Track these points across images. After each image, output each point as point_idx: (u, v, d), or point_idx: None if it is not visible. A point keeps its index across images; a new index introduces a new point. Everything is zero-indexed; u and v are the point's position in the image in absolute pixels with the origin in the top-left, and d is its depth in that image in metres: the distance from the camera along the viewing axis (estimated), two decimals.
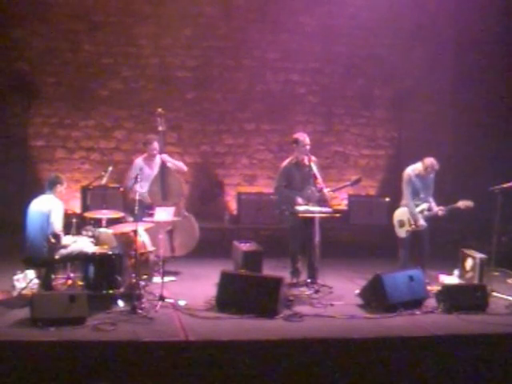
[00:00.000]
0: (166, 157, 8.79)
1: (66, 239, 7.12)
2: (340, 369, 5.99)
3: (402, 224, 8.28)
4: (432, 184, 8.28)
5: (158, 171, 8.67)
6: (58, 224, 7.00)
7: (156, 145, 8.66)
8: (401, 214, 8.30)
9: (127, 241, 7.29)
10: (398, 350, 6.16)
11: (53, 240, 6.97)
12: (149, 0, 11.15)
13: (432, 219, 8.23)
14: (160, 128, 8.80)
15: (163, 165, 8.68)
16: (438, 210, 8.15)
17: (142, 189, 7.93)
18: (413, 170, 8.26)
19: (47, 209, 6.99)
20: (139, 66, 11.17)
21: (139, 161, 8.72)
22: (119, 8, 11.05)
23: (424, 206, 8.17)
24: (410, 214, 8.18)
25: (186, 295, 7.34)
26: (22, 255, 7.12)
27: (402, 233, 8.29)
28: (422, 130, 11.67)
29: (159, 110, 8.86)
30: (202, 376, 5.76)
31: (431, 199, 8.26)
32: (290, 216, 7.83)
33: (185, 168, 9.01)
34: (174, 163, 8.87)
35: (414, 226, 8.14)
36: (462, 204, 7.96)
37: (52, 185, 7.16)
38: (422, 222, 8.11)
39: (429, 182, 8.24)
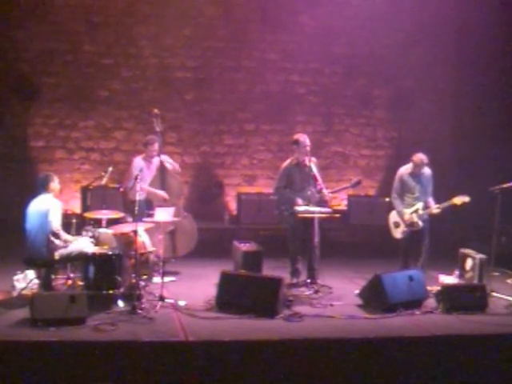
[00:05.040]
0: (165, 158, 8.80)
1: (65, 235, 7.13)
2: (340, 369, 6.00)
3: (397, 225, 8.29)
4: (429, 183, 8.25)
5: (157, 172, 8.67)
6: (55, 222, 7.02)
7: (156, 146, 8.68)
8: (395, 215, 8.30)
9: (127, 241, 7.30)
10: (397, 350, 6.17)
11: (52, 239, 6.98)
12: (149, 0, 11.14)
13: (433, 219, 8.22)
14: (157, 128, 8.81)
15: (163, 165, 8.69)
16: (433, 208, 8.13)
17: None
18: (405, 169, 8.29)
19: (45, 208, 7.01)
20: (139, 67, 11.17)
21: (139, 160, 8.71)
22: (119, 9, 11.05)
23: (419, 205, 8.15)
24: (396, 211, 8.21)
25: (186, 295, 7.35)
26: (22, 255, 7.13)
27: (397, 234, 8.30)
28: (421, 130, 11.67)
29: (155, 110, 8.87)
30: (202, 376, 5.77)
31: (430, 199, 8.23)
32: (289, 216, 7.84)
33: (179, 170, 9.00)
34: (171, 163, 8.87)
35: (409, 226, 8.13)
36: (458, 200, 7.92)
37: (45, 185, 7.16)
38: (415, 219, 8.10)
39: (424, 180, 8.22)
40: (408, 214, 8.14)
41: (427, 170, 8.24)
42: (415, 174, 8.20)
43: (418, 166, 8.14)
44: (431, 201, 8.21)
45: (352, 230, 11.11)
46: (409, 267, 7.94)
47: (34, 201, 7.15)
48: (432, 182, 8.28)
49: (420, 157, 8.12)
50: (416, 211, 8.13)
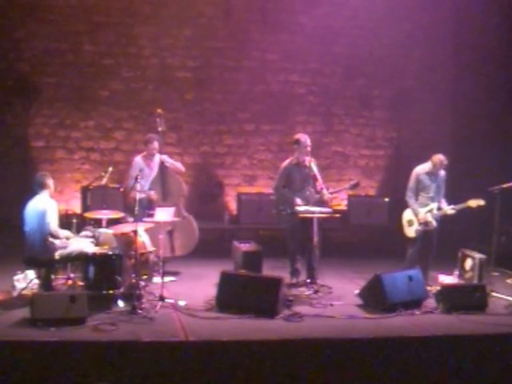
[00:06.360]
0: (165, 157, 8.81)
1: (65, 232, 7.15)
2: (340, 369, 6.01)
3: (410, 223, 8.25)
4: (443, 184, 8.24)
5: (157, 172, 8.69)
6: (53, 223, 7.04)
7: (156, 144, 8.69)
8: (410, 213, 8.28)
9: (127, 241, 7.30)
10: (397, 350, 6.17)
11: (51, 239, 6.99)
12: (149, 1, 11.15)
13: (444, 219, 8.22)
14: (159, 128, 8.83)
15: (162, 165, 8.70)
16: (447, 209, 8.12)
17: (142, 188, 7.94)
18: (422, 168, 8.24)
19: (43, 207, 7.02)
20: (139, 67, 11.17)
21: (139, 159, 8.73)
22: (119, 9, 11.05)
23: (433, 205, 8.13)
24: (411, 210, 8.19)
25: (186, 295, 7.35)
26: (22, 255, 7.13)
27: (411, 232, 8.26)
28: (421, 130, 11.68)
29: (158, 110, 8.89)
30: (202, 376, 5.77)
31: (443, 200, 8.22)
32: (288, 216, 7.84)
33: (183, 169, 9.03)
34: (172, 163, 8.88)
35: (423, 225, 8.12)
36: (473, 202, 7.88)
37: (41, 183, 7.16)
38: (430, 219, 8.08)
39: (439, 181, 8.20)
40: (423, 213, 8.13)
41: (442, 171, 8.23)
42: (432, 174, 8.18)
43: (436, 166, 8.12)
44: (443, 201, 8.20)
45: (352, 230, 11.10)
46: (416, 266, 7.88)
47: (32, 201, 7.16)
48: (445, 183, 8.27)
49: (440, 157, 8.10)
50: (430, 211, 8.12)
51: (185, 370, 5.76)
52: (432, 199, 8.17)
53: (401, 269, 7.75)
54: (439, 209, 8.15)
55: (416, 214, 8.16)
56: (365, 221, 11.11)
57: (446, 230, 8.69)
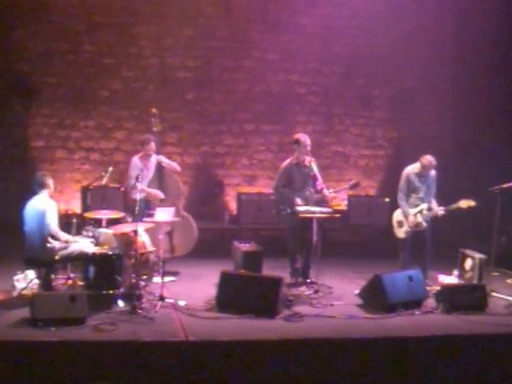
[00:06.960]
0: (162, 158, 8.77)
1: (65, 235, 7.14)
2: (340, 369, 6.01)
3: (400, 224, 8.27)
4: (433, 184, 8.24)
5: (155, 172, 8.66)
6: (53, 224, 7.04)
7: (153, 145, 8.64)
8: (400, 214, 8.30)
9: (127, 241, 7.29)
10: (397, 350, 6.17)
11: (51, 240, 6.99)
12: (149, 0, 11.15)
13: (434, 220, 8.22)
14: (154, 128, 8.81)
15: (160, 165, 8.68)
16: (437, 210, 8.13)
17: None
18: (412, 168, 8.26)
19: (42, 208, 7.02)
20: (140, 67, 11.17)
21: (137, 160, 8.66)
22: (120, 8, 11.05)
23: (424, 206, 8.14)
24: (401, 211, 8.20)
25: (186, 295, 7.35)
26: (22, 255, 7.13)
27: (401, 233, 8.28)
28: (421, 130, 11.68)
29: (153, 110, 8.88)
30: (202, 376, 5.77)
31: (433, 200, 8.23)
32: (288, 216, 7.84)
33: (179, 168, 8.96)
34: (169, 163, 8.84)
35: (412, 226, 8.13)
36: (464, 203, 7.90)
37: (41, 184, 7.15)
38: (420, 220, 8.08)
39: (429, 181, 8.21)
40: (412, 214, 8.13)
41: (432, 171, 8.22)
42: (421, 175, 8.18)
43: (425, 167, 8.12)
44: (434, 202, 8.20)
45: (352, 230, 11.10)
46: (409, 267, 7.90)
47: (31, 201, 7.15)
48: (436, 183, 8.27)
49: (428, 159, 8.10)
50: (420, 212, 8.12)
51: (185, 369, 5.76)
52: (422, 200, 8.18)
53: (394, 270, 7.75)
54: (429, 209, 8.15)
55: (406, 216, 8.16)
56: (365, 221, 11.11)
57: (446, 230, 8.69)
